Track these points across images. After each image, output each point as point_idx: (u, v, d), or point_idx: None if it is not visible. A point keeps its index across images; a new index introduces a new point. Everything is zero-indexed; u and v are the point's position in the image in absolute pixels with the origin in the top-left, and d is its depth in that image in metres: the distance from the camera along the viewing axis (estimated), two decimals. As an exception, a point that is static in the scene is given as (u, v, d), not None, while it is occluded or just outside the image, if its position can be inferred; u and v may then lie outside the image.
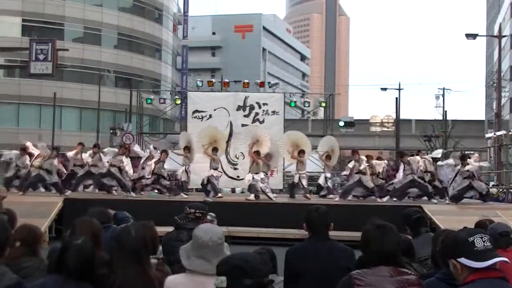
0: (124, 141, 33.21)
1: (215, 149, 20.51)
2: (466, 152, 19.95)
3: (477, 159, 19.41)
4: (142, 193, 19.35)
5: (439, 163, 19.93)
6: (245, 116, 25.59)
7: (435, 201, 18.40)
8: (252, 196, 18.90)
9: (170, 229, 6.42)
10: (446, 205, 17.72)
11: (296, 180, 20.31)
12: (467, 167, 18.17)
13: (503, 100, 47.69)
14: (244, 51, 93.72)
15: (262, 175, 19.18)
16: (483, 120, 67.79)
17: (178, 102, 30.67)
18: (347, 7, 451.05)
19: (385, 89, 51.34)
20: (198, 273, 3.59)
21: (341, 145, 27.27)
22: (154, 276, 3.93)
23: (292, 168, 22.67)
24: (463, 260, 2.94)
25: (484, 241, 2.94)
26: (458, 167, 18.66)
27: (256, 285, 2.86)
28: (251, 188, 19.21)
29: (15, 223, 5.12)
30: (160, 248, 5.20)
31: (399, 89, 48.16)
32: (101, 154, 19.21)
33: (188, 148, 20.46)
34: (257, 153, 19.78)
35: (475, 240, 2.94)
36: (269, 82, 29.41)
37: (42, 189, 19.71)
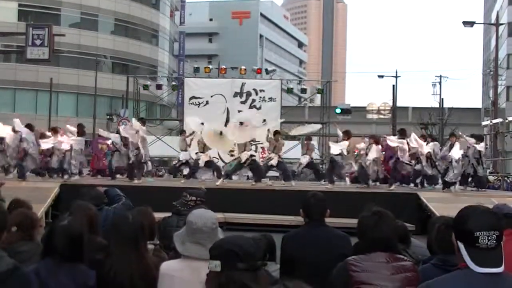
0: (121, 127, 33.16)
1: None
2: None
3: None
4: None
5: None
6: (242, 102, 25.60)
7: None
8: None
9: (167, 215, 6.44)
10: (442, 192, 17.74)
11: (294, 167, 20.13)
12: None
13: (499, 88, 47.74)
14: (241, 38, 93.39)
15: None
16: (480, 108, 67.91)
17: (175, 88, 30.64)
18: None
19: (382, 76, 51.32)
20: (193, 259, 3.61)
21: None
22: (151, 261, 3.95)
23: (289, 155, 22.56)
24: (462, 249, 2.93)
25: (489, 240, 2.86)
26: None
27: (250, 268, 2.87)
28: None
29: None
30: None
31: (396, 77, 48.15)
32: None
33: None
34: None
35: (480, 237, 2.87)
36: (266, 69, 29.40)
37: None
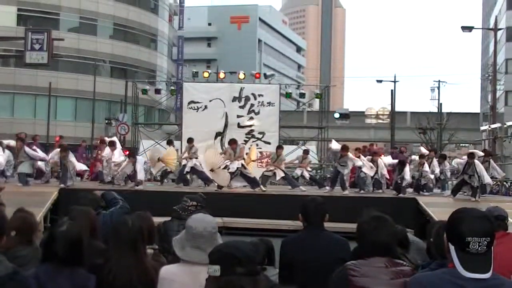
0: (119, 132, 33.21)
1: (190, 140, 20.30)
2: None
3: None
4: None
5: None
6: (240, 107, 25.58)
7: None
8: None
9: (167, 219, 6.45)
10: (441, 198, 17.79)
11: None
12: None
13: (498, 93, 47.67)
14: (240, 42, 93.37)
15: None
16: (478, 113, 67.95)
17: (174, 93, 30.66)
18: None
19: (380, 81, 51.35)
20: (193, 263, 3.61)
21: (336, 137, 27.37)
22: (150, 265, 3.95)
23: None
24: (452, 251, 2.93)
25: (480, 245, 2.87)
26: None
27: (249, 273, 2.88)
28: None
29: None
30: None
31: (395, 81, 48.15)
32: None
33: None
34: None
35: (471, 242, 2.87)
36: (264, 74, 29.42)
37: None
